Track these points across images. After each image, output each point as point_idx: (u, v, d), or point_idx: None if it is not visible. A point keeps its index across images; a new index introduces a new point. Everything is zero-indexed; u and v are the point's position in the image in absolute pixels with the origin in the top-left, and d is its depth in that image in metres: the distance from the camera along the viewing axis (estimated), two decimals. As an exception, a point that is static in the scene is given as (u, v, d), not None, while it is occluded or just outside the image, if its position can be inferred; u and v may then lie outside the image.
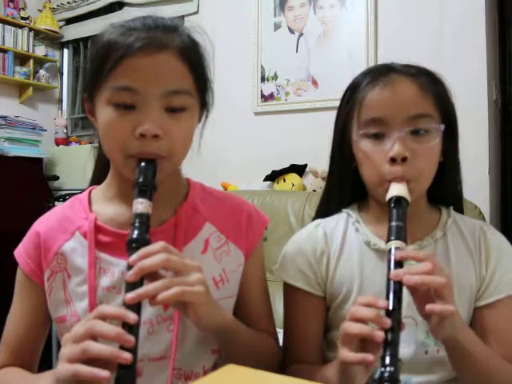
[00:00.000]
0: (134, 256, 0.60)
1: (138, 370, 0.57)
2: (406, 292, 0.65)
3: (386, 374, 0.58)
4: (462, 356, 0.71)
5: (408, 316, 0.76)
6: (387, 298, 0.63)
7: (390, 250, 0.67)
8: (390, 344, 0.60)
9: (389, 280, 0.65)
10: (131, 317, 0.57)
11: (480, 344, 0.73)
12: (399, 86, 0.79)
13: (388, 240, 0.69)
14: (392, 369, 0.58)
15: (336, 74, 2.48)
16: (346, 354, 0.62)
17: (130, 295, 0.58)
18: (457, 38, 2.21)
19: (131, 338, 0.56)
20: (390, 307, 0.62)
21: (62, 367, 0.55)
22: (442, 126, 0.79)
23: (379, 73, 0.82)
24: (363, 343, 0.62)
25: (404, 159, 0.76)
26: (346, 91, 0.87)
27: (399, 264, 0.65)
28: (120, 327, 0.57)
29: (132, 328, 0.57)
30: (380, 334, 0.59)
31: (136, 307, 0.59)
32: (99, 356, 0.54)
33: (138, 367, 0.57)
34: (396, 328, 0.61)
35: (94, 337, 0.56)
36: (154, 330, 0.74)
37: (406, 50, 2.23)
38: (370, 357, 0.59)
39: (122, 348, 0.56)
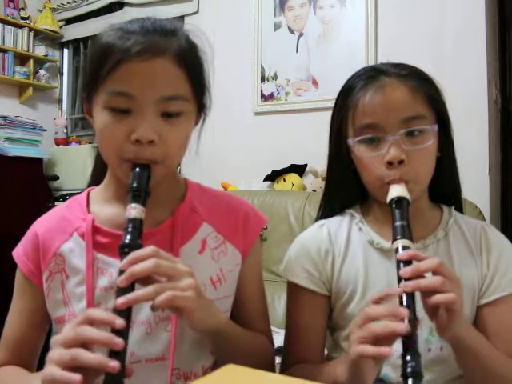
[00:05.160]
0: (124, 261, 0.61)
1: (128, 370, 0.57)
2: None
3: (409, 370, 0.59)
4: (466, 353, 0.71)
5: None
6: (400, 296, 0.64)
7: (397, 249, 0.68)
8: (410, 340, 0.61)
9: (400, 279, 0.65)
10: (118, 322, 0.57)
11: (482, 339, 0.74)
12: (390, 90, 0.79)
13: (394, 239, 0.70)
14: (414, 364, 0.59)
15: (336, 73, 2.48)
16: (363, 347, 0.62)
17: (121, 300, 0.59)
18: (457, 37, 2.21)
19: (120, 340, 0.56)
20: (404, 304, 0.63)
21: (50, 370, 0.56)
22: (436, 127, 0.80)
23: (370, 76, 0.82)
24: (374, 340, 0.63)
25: (401, 162, 0.77)
26: (339, 95, 0.87)
27: (408, 262, 0.66)
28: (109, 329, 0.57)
29: (121, 332, 0.57)
30: (403, 327, 0.60)
31: (126, 312, 0.59)
32: (88, 365, 0.55)
33: (131, 368, 0.58)
34: (413, 324, 0.62)
35: (83, 342, 0.56)
36: (151, 330, 0.74)
37: (406, 50, 2.23)
38: (386, 349, 0.60)
39: (112, 352, 0.56)
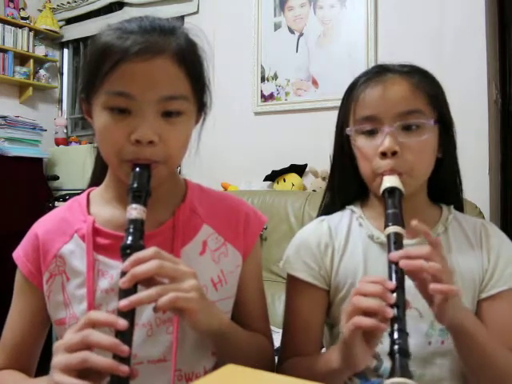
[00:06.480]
0: (127, 263, 0.61)
1: (134, 371, 0.57)
2: (410, 283, 0.67)
3: (396, 347, 0.59)
4: (465, 339, 0.72)
5: (412, 307, 0.77)
6: (390, 279, 0.65)
7: (388, 236, 0.69)
8: (397, 319, 0.61)
9: (390, 262, 0.66)
10: (121, 323, 0.57)
11: (482, 327, 0.74)
12: (391, 84, 0.81)
13: (386, 226, 0.70)
14: (401, 342, 0.60)
15: (336, 73, 2.48)
16: (359, 319, 0.62)
17: (124, 302, 0.58)
18: (457, 37, 2.20)
19: (126, 347, 0.56)
20: (393, 285, 0.64)
21: (58, 378, 0.55)
22: (432, 121, 0.81)
23: (375, 72, 0.85)
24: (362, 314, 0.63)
25: (394, 153, 0.78)
26: (346, 91, 0.89)
27: (399, 247, 0.67)
28: (113, 332, 0.57)
29: (125, 334, 0.57)
30: (390, 310, 0.61)
31: (130, 314, 0.59)
32: (97, 367, 0.55)
33: (135, 369, 0.57)
34: (401, 304, 0.62)
35: (89, 346, 0.56)
36: (153, 332, 0.74)
37: (406, 50, 2.23)
38: (381, 324, 0.61)
39: (116, 355, 0.56)
